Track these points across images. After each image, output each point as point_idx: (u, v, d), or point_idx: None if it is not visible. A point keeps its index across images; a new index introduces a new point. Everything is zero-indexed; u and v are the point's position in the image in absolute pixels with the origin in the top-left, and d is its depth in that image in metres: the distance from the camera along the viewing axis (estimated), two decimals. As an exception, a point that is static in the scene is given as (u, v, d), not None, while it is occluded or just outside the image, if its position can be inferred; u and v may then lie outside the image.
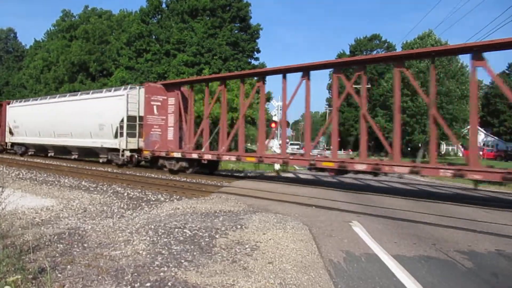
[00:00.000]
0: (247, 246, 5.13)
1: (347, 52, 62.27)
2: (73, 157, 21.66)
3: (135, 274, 3.97)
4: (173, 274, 4.03)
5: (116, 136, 17.09)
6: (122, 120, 16.72)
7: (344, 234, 6.06)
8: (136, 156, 17.03)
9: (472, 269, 4.53)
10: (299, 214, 7.64)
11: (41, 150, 24.34)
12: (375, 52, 59.64)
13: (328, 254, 4.97)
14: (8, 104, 27.05)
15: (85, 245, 5.06)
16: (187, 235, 5.68)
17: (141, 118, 16.79)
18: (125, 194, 10.46)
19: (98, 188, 11.32)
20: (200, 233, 5.78)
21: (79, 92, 21.85)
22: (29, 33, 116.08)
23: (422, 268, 4.51)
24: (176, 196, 10.25)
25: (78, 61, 44.08)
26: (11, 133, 26.11)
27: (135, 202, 9.11)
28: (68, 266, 4.15)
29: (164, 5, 40.64)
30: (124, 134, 16.58)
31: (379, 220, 7.23)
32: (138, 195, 10.35)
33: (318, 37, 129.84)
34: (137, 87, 17.28)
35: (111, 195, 10.13)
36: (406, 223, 6.99)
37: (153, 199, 9.78)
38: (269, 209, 8.08)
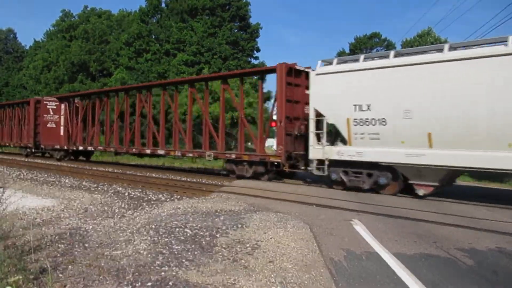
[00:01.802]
0: (248, 245, 5.14)
1: (347, 51, 62.20)
2: None
3: (136, 273, 3.98)
4: (174, 273, 4.03)
5: None
6: None
7: (345, 232, 6.06)
8: None
9: (473, 267, 4.54)
10: (300, 213, 7.64)
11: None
12: (374, 50, 59.53)
13: (329, 253, 4.97)
14: (314, 70, 11.45)
15: (86, 245, 5.07)
16: (188, 234, 5.69)
17: None
18: (126, 194, 10.47)
19: (99, 188, 11.34)
20: (201, 233, 5.79)
21: None
22: (29, 34, 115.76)
23: (423, 266, 4.51)
24: (177, 195, 10.26)
25: (78, 61, 44.06)
26: (324, 138, 11.11)
27: (136, 202, 9.11)
28: (69, 266, 4.16)
29: (163, 5, 40.60)
30: None
31: (379, 218, 7.23)
32: (139, 194, 10.36)
33: (318, 35, 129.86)
34: None
35: (112, 195, 10.14)
36: (407, 222, 6.99)
37: (154, 198, 9.78)
38: (270, 208, 8.09)
